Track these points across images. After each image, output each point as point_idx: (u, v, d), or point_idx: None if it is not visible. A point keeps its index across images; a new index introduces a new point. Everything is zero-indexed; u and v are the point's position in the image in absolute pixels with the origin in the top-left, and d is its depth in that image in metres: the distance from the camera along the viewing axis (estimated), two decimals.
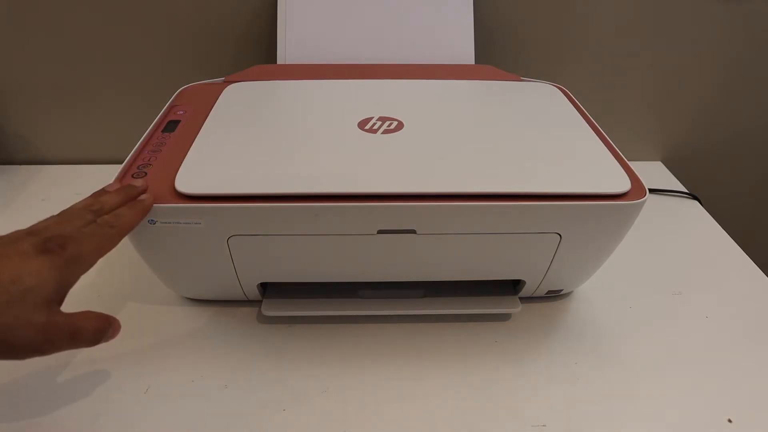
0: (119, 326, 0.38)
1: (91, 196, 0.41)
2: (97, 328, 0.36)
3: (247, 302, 0.53)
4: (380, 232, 0.43)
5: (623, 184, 0.43)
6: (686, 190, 0.74)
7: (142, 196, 0.41)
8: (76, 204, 0.39)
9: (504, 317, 0.53)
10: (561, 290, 0.53)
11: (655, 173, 0.80)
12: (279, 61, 0.64)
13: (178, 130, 0.49)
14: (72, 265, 0.34)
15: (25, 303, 0.31)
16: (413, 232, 0.43)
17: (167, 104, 0.54)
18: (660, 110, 0.78)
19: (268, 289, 0.52)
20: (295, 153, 0.45)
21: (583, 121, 0.51)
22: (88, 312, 0.36)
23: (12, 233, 0.35)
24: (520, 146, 0.47)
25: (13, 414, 0.43)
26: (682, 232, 0.66)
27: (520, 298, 0.52)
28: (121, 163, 0.45)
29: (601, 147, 0.47)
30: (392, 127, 0.48)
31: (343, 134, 0.47)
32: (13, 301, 0.31)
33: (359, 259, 0.46)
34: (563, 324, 0.52)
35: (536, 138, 0.48)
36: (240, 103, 0.53)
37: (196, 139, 0.47)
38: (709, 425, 0.43)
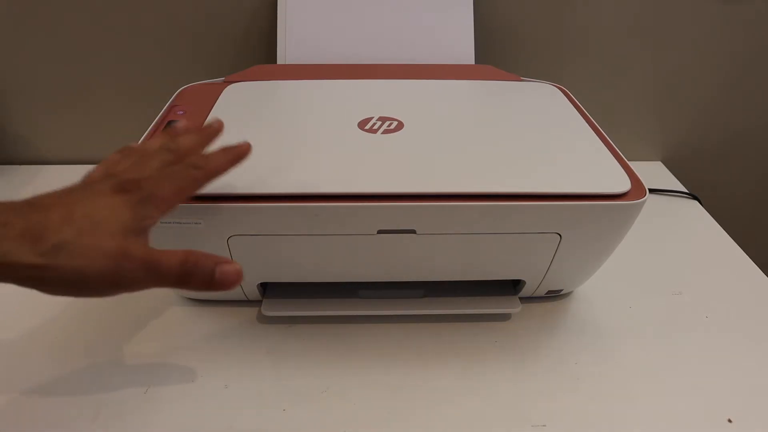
0: (235, 271, 0.32)
1: (163, 133, 0.39)
2: (183, 263, 0.32)
3: (247, 302, 0.53)
4: (380, 232, 0.43)
5: (623, 184, 0.43)
6: (686, 190, 0.74)
7: (240, 143, 0.39)
8: (151, 142, 0.37)
9: (504, 317, 0.53)
10: (561, 290, 0.53)
11: (655, 173, 0.80)
12: (279, 61, 0.64)
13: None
14: (149, 204, 0.32)
15: (96, 232, 0.30)
16: (413, 232, 0.43)
17: (167, 104, 0.54)
18: (660, 110, 0.78)
19: (268, 289, 0.52)
20: (295, 153, 0.45)
21: (583, 121, 0.51)
22: (180, 250, 0.32)
23: (89, 175, 0.34)
24: (520, 146, 0.47)
25: (13, 414, 0.43)
26: (682, 232, 0.66)
27: (520, 298, 0.52)
28: None
29: (601, 147, 0.47)
30: (392, 127, 0.48)
31: (343, 134, 0.47)
32: (85, 231, 0.30)
33: (359, 259, 0.46)
34: (563, 324, 0.52)
35: (536, 138, 0.48)
36: (240, 103, 0.53)
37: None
38: (709, 425, 0.43)
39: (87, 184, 0.33)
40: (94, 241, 0.30)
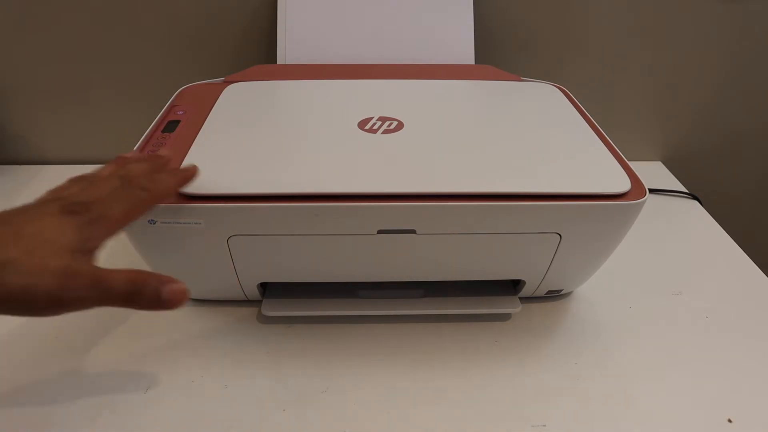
0: (181, 291, 0.33)
1: (113, 162, 0.39)
2: (131, 282, 0.32)
3: (247, 302, 0.53)
4: (380, 232, 0.43)
5: (623, 184, 0.43)
6: (686, 190, 0.74)
7: (187, 165, 0.40)
8: (101, 170, 0.38)
9: (504, 317, 0.53)
10: (561, 290, 0.53)
11: (655, 173, 0.80)
12: (279, 61, 0.64)
13: (178, 130, 0.49)
14: (96, 225, 0.33)
15: (43, 251, 0.30)
16: (413, 232, 0.43)
17: (167, 104, 0.54)
18: (660, 110, 0.78)
19: (268, 289, 0.52)
20: (295, 153, 0.45)
21: (583, 121, 0.51)
22: (126, 269, 0.33)
23: (40, 198, 0.34)
24: (520, 146, 0.47)
25: (12, 414, 0.43)
26: (682, 232, 0.66)
27: (520, 298, 0.52)
28: None
29: (601, 147, 0.47)
30: (392, 127, 0.48)
31: (343, 134, 0.47)
32: (32, 250, 0.30)
33: (359, 259, 0.46)
34: (563, 324, 0.52)
35: (536, 138, 0.48)
36: (240, 103, 0.53)
37: (196, 139, 0.47)
38: (709, 425, 0.43)
39: (36, 205, 0.33)
40: (41, 260, 0.30)
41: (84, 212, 0.33)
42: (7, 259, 0.29)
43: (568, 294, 0.56)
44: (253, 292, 0.51)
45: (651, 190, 0.62)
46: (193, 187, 0.41)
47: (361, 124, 0.48)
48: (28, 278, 0.30)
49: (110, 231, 0.34)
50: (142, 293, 0.32)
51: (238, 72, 0.61)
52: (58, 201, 0.34)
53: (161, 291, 0.33)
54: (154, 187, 0.37)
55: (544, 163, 0.45)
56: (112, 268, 0.32)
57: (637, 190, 0.43)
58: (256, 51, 0.71)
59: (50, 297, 0.30)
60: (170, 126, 0.50)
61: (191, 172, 0.41)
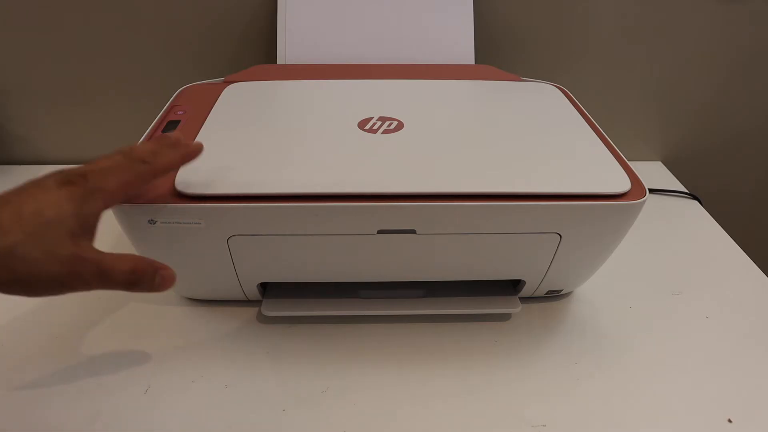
0: (172, 276, 0.36)
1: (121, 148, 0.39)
2: (133, 269, 0.34)
3: (247, 302, 0.53)
4: (380, 232, 0.43)
5: (623, 184, 0.43)
6: (686, 190, 0.74)
7: (191, 142, 0.40)
8: (107, 154, 0.38)
9: (504, 317, 0.53)
10: (561, 290, 0.53)
11: (655, 173, 0.80)
12: (279, 61, 0.64)
13: (178, 130, 0.49)
14: (93, 196, 0.33)
15: (48, 235, 0.31)
16: (413, 232, 0.43)
17: (167, 104, 0.54)
18: (660, 110, 0.78)
19: (268, 289, 0.52)
20: (295, 153, 0.45)
21: (583, 121, 0.51)
22: (127, 254, 0.34)
23: (41, 175, 0.34)
24: (520, 146, 0.47)
25: (12, 414, 0.43)
26: (682, 232, 0.66)
27: (520, 298, 0.52)
28: None
29: (601, 147, 0.47)
30: (392, 127, 0.48)
31: (343, 134, 0.47)
32: (37, 233, 0.30)
33: (359, 259, 0.46)
34: (563, 324, 0.52)
35: (536, 138, 0.48)
36: (240, 103, 0.53)
37: (196, 139, 0.47)
38: (709, 425, 0.43)
39: (35, 182, 0.33)
40: (47, 247, 0.31)
41: (81, 182, 0.33)
42: (12, 243, 0.30)
43: (568, 294, 0.56)
44: (253, 292, 0.51)
45: (651, 190, 0.62)
46: (193, 187, 0.41)
47: (361, 124, 0.48)
48: (35, 265, 0.30)
49: (108, 203, 0.34)
50: (141, 280, 0.34)
51: (238, 72, 0.61)
52: (57, 174, 0.33)
53: (156, 277, 0.35)
54: (155, 160, 0.37)
55: (544, 163, 0.45)
56: (113, 254, 0.34)
57: (637, 190, 0.43)
58: (256, 51, 0.71)
59: (55, 282, 0.31)
60: (170, 126, 0.50)
61: (195, 148, 0.40)
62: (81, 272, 0.32)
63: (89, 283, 0.33)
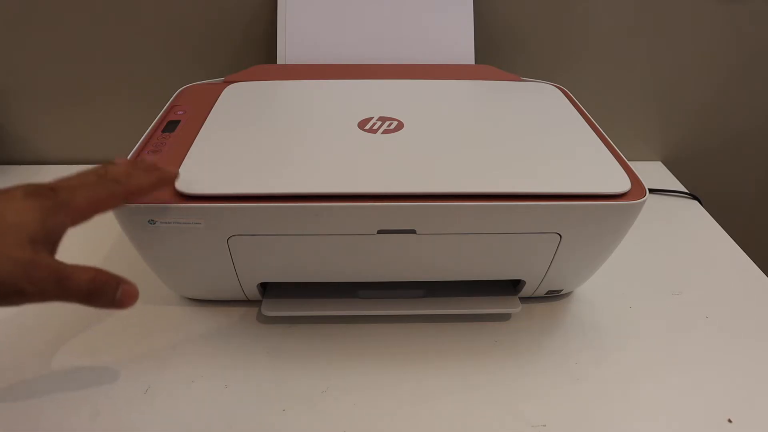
0: (135, 291, 0.34)
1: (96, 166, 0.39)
2: (93, 280, 0.32)
3: (247, 302, 0.53)
4: (380, 232, 0.43)
5: (623, 184, 0.43)
6: (686, 190, 0.74)
7: (167, 168, 0.39)
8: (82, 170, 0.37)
9: (504, 317, 0.53)
10: (561, 290, 0.53)
11: (655, 173, 0.80)
12: (279, 61, 0.64)
13: (178, 130, 0.49)
14: (59, 210, 0.32)
15: (7, 237, 0.30)
16: (413, 232, 0.43)
17: (167, 104, 0.54)
18: (660, 110, 0.78)
19: (268, 289, 0.52)
20: (295, 153, 0.45)
21: (583, 121, 0.51)
22: (89, 266, 0.33)
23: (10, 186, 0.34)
24: (520, 146, 0.47)
25: (12, 414, 0.43)
26: (682, 232, 0.66)
27: (520, 298, 0.52)
28: None
29: (601, 147, 0.47)
30: (392, 127, 0.48)
31: (343, 134, 0.47)
32: None
33: (359, 259, 0.46)
34: (563, 324, 0.52)
35: (536, 138, 0.48)
36: (240, 103, 0.53)
37: (196, 139, 0.47)
38: (709, 425, 0.43)
39: (2, 189, 0.33)
40: (4, 248, 0.30)
41: (50, 195, 0.32)
42: None
43: (568, 294, 0.56)
44: (253, 292, 0.51)
45: (651, 190, 0.62)
46: (193, 188, 0.41)
47: (361, 124, 0.48)
48: None
49: (75, 219, 0.33)
50: (101, 293, 0.33)
51: (238, 72, 0.61)
52: (26, 186, 0.33)
53: (118, 291, 0.33)
54: (128, 181, 0.36)
55: (544, 163, 0.45)
56: (74, 265, 0.32)
57: (637, 190, 0.43)
58: (256, 51, 0.71)
59: (11, 286, 0.30)
60: (170, 126, 0.50)
61: (169, 174, 0.40)
62: (37, 278, 0.30)
63: (46, 291, 0.31)
